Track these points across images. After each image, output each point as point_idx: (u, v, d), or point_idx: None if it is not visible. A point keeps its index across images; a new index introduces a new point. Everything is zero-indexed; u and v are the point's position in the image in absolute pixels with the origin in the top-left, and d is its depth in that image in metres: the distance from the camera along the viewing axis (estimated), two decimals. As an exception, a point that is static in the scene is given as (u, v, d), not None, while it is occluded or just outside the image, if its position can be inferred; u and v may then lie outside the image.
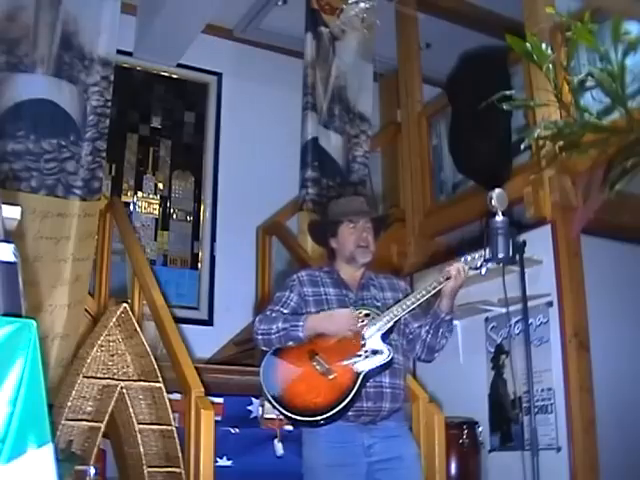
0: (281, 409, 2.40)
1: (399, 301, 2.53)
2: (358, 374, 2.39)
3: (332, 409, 2.34)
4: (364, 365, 2.40)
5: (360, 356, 2.42)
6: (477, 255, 2.46)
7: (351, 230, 2.61)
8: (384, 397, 2.46)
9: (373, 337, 2.45)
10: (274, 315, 2.52)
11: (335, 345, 2.44)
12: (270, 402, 2.43)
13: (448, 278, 2.47)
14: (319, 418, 2.35)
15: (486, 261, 2.43)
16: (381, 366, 2.42)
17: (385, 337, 2.47)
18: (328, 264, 2.72)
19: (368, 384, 2.41)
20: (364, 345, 2.44)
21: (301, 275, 2.64)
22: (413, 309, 2.50)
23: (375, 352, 2.43)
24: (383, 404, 2.45)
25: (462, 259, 2.50)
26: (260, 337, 2.49)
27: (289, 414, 2.39)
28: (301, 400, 2.39)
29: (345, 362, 2.41)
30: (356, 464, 2.41)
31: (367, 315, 2.49)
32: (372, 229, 2.65)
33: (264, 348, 2.51)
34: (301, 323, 2.43)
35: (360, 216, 2.64)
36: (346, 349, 2.43)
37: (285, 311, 2.54)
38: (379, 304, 2.58)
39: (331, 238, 2.67)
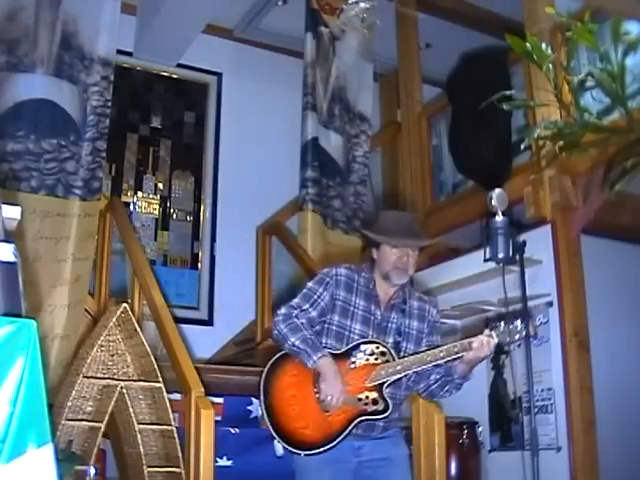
0: (269, 425, 2.41)
1: (419, 353, 2.44)
2: (351, 420, 2.37)
3: (316, 448, 2.35)
4: (360, 412, 2.38)
5: (360, 401, 2.39)
6: (512, 328, 2.35)
7: (393, 251, 2.47)
8: (375, 428, 2.46)
9: (378, 383, 2.40)
10: (297, 322, 2.43)
11: (342, 375, 2.40)
12: (262, 412, 2.44)
13: (471, 346, 2.35)
14: (301, 452, 2.37)
15: (518, 339, 2.35)
16: (375, 420, 2.41)
17: (391, 384, 2.42)
18: (369, 268, 2.58)
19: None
20: (368, 389, 2.40)
21: (340, 274, 2.52)
22: (429, 367, 2.43)
23: (375, 402, 2.39)
24: (372, 433, 2.46)
25: (493, 329, 2.38)
26: (276, 334, 2.46)
27: (275, 433, 2.41)
28: (290, 425, 2.40)
29: (344, 401, 2.38)
30: (345, 461, 2.41)
31: (383, 354, 2.42)
32: (416, 253, 2.51)
33: (274, 342, 2.51)
34: (315, 358, 2.37)
35: (402, 242, 2.47)
36: (350, 385, 2.40)
37: (313, 313, 2.46)
38: (400, 339, 2.49)
39: (373, 248, 2.55)
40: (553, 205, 3.88)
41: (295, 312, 2.46)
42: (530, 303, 2.66)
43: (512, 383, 3.93)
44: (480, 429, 3.92)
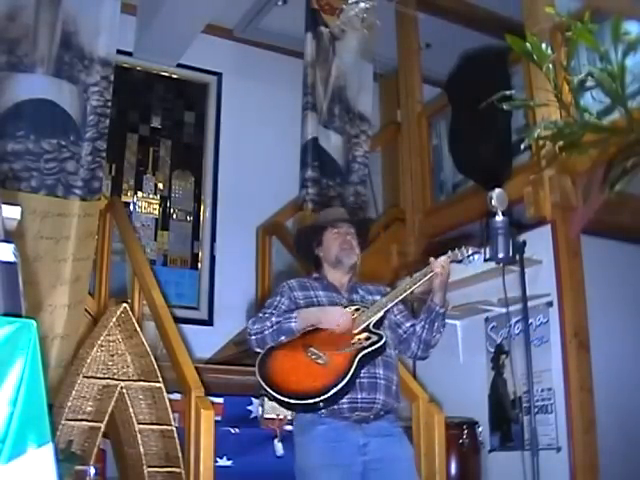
0: (278, 396, 2.40)
1: (388, 292, 2.62)
2: (353, 358, 2.42)
3: (330, 389, 2.35)
4: (359, 350, 2.44)
5: (354, 343, 2.46)
6: (462, 249, 2.51)
7: (335, 235, 2.71)
8: (378, 388, 2.48)
9: (364, 327, 2.50)
10: (267, 315, 2.57)
11: (328, 337, 2.48)
12: (267, 392, 2.42)
13: (432, 272, 2.51)
14: (318, 400, 2.35)
15: (470, 255, 2.49)
16: (376, 350, 2.46)
17: (375, 327, 2.52)
18: (316, 272, 2.80)
19: (362, 374, 2.44)
20: (357, 334, 2.49)
21: (290, 282, 2.71)
22: (400, 300, 2.56)
23: (368, 338, 2.48)
24: (377, 395, 2.47)
25: (446, 254, 2.54)
26: (254, 337, 2.52)
27: (287, 399, 2.40)
28: (299, 385, 2.41)
29: (340, 350, 2.44)
30: (351, 464, 2.41)
31: (357, 310, 2.56)
32: (355, 235, 2.74)
33: (257, 350, 2.53)
34: (294, 315, 2.50)
35: (341, 221, 2.75)
36: (339, 340, 2.47)
37: (277, 313, 2.59)
38: (368, 304, 2.63)
39: (317, 247, 2.77)
40: (553, 205, 3.88)
41: (260, 315, 2.60)
42: (530, 303, 2.67)
43: (512, 383, 3.93)
44: (480, 429, 3.92)
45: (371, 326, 2.50)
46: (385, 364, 2.53)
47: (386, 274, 4.74)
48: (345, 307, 2.58)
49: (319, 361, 2.43)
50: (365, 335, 2.48)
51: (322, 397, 2.35)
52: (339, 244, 2.70)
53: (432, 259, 2.53)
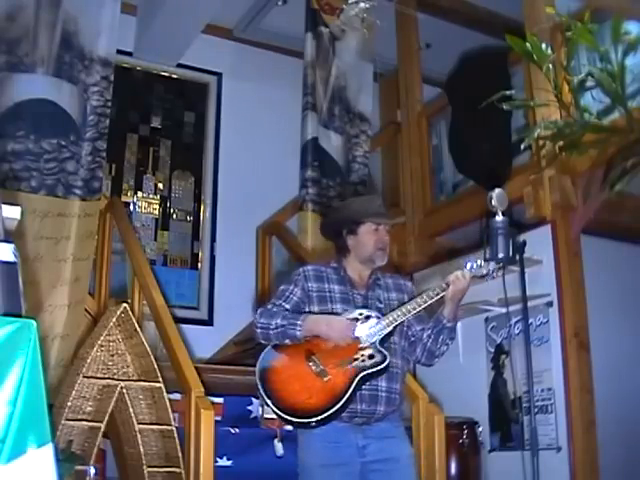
0: (274, 408, 2.39)
1: (401, 305, 2.51)
2: (353, 378, 2.37)
3: (325, 412, 2.33)
4: (360, 369, 2.39)
5: (357, 360, 2.41)
6: (481, 262, 2.43)
7: (374, 232, 2.58)
8: (379, 401, 2.44)
9: (371, 341, 2.44)
10: (275, 310, 2.51)
11: (332, 347, 2.44)
12: (264, 400, 2.42)
13: (448, 285, 2.44)
14: (311, 420, 2.34)
15: (493, 270, 2.41)
16: (377, 372, 2.40)
17: (383, 341, 2.45)
18: (335, 260, 2.68)
19: (364, 387, 2.40)
20: (361, 349, 2.43)
21: (307, 269, 2.60)
22: (413, 315, 2.48)
23: (372, 357, 2.41)
24: (377, 407, 2.44)
25: (465, 266, 2.46)
26: (259, 330, 2.49)
27: (282, 414, 2.38)
28: (294, 400, 2.38)
29: (341, 365, 2.40)
30: (350, 464, 2.40)
31: (367, 317, 2.48)
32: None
33: (262, 341, 2.52)
34: (299, 322, 2.43)
35: (386, 219, 2.62)
36: (343, 352, 2.43)
37: (287, 306, 2.52)
38: (382, 305, 2.56)
39: (349, 235, 2.61)
40: (553, 205, 3.88)
41: (270, 307, 2.54)
42: (530, 303, 2.67)
43: (512, 383, 3.94)
44: (480, 429, 3.92)
45: (377, 342, 2.43)
46: (389, 376, 2.45)
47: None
48: (357, 315, 2.48)
49: (319, 374, 2.39)
50: (369, 352, 2.41)
51: (315, 418, 2.33)
52: (375, 242, 2.56)
53: (456, 272, 2.45)
